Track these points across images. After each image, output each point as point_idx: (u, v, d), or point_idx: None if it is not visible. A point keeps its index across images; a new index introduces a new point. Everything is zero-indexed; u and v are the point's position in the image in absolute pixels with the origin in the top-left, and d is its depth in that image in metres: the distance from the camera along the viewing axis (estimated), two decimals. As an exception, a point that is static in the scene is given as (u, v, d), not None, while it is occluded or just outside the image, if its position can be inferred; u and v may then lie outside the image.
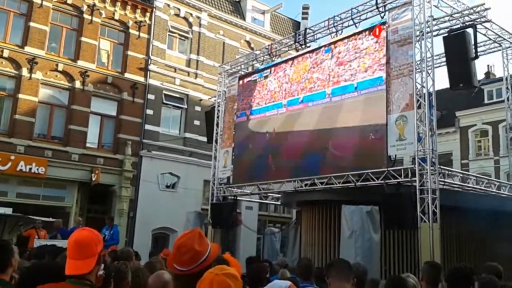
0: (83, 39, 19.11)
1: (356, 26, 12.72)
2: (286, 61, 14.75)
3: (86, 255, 2.61)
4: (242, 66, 16.94)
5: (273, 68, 15.06)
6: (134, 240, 18.31)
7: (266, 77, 15.22)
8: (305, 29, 14.59)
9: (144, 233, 18.78)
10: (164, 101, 20.97)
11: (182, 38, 22.26)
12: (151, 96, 20.45)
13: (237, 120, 16.03)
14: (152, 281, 3.19)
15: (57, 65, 18.43)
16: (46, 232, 11.91)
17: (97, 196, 19.18)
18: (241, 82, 16.26)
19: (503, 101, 13.80)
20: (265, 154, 14.52)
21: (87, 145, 18.70)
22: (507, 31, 12.35)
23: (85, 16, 19.20)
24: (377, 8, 11.81)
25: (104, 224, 12.86)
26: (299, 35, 14.48)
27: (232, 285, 1.88)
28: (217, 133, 16.73)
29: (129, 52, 20.20)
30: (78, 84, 18.71)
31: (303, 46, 14.37)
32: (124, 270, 3.53)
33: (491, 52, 13.06)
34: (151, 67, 20.59)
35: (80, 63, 18.91)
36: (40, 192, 17.81)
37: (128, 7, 20.27)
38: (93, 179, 18.17)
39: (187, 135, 21.29)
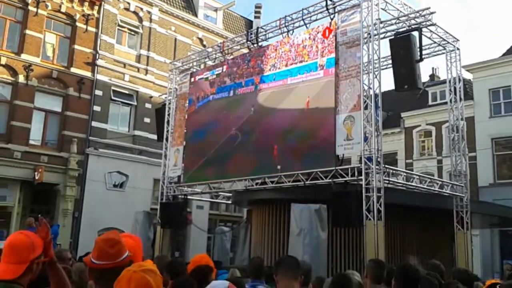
0: (27, 32, 18.33)
1: (306, 27, 12.87)
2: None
3: (18, 260, 2.47)
4: (194, 64, 16.76)
5: (224, 66, 15.01)
6: (80, 241, 17.75)
7: (218, 75, 15.13)
8: (257, 28, 14.61)
9: (90, 234, 18.13)
10: (113, 98, 20.44)
11: (132, 33, 21.78)
12: (98, 92, 19.88)
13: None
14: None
15: (-1, 58, 17.60)
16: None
17: (40, 196, 18.44)
18: (192, 79, 16.09)
19: (446, 103, 14.35)
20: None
21: (30, 142, 17.98)
22: (451, 35, 12.81)
23: (30, 8, 18.40)
24: (327, 9, 11.98)
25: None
26: (251, 34, 14.50)
27: (150, 280, 1.84)
28: (167, 131, 16.47)
29: (76, 46, 19.55)
30: (21, 79, 17.93)
31: (255, 45, 14.39)
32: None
33: (435, 55, 13.49)
34: (99, 62, 20.01)
35: (24, 56, 18.14)
36: (-20, 191, 16.96)
37: (76, 0, 19.60)
38: (36, 177, 17.45)
39: (137, 132, 20.86)
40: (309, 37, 12.42)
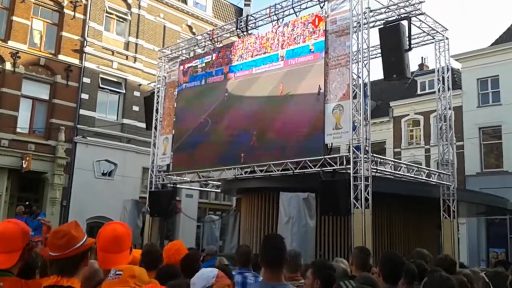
0: (14, 18, 18.05)
1: (296, 15, 12.83)
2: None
3: (10, 248, 2.50)
4: (183, 51, 16.64)
5: (214, 55, 14.94)
6: (68, 229, 17.66)
7: (207, 63, 15.07)
8: (247, 15, 14.55)
9: (79, 222, 18.15)
10: (101, 85, 20.25)
11: (120, 20, 21.54)
12: (86, 80, 19.68)
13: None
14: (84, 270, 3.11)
15: (-14, 45, 17.34)
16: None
17: (28, 184, 18.31)
18: (181, 67, 15.99)
19: (435, 92, 14.42)
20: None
21: (18, 130, 17.79)
22: (440, 24, 12.84)
23: (17, -6, 18.10)
24: (317, -2, 11.95)
25: (34, 213, 12.33)
26: (241, 21, 14.41)
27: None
28: (156, 120, 16.40)
29: (64, 33, 19.30)
30: (8, 66, 17.68)
31: (244, 33, 14.32)
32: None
33: (424, 45, 13.54)
34: (87, 49, 19.78)
35: (11, 43, 17.88)
36: (-33, 180, 16.79)
37: (63, -14, 19.32)
38: (24, 166, 17.30)
39: (125, 121, 20.73)
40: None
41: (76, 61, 19.47)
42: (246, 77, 13.64)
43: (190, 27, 23.70)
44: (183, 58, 16.39)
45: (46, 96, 18.90)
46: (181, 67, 15.99)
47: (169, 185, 15.69)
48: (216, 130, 14.14)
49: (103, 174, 19.77)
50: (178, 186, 16.31)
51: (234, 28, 14.63)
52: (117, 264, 2.50)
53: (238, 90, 13.89)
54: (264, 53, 13.18)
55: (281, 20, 13.23)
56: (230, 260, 6.89)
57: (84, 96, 19.56)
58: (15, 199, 17.88)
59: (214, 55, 14.94)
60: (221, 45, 15.42)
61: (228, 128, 13.85)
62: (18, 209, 12.91)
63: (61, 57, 19.12)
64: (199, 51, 16.44)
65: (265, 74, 13.07)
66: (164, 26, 22.67)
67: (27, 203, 13.67)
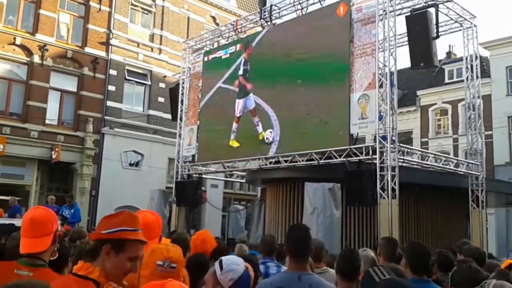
0: (41, 11, 18.36)
1: (321, 4, 12.71)
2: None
3: (42, 233, 2.57)
4: (207, 42, 16.69)
5: (238, 45, 14.91)
6: (97, 218, 18.04)
7: (231, 54, 15.06)
8: (271, 5, 14.48)
9: (107, 211, 18.09)
10: (127, 77, 20.50)
11: (145, 12, 21.70)
12: (113, 72, 19.95)
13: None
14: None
15: (14, 38, 17.69)
16: (2, 211, 11.55)
17: (57, 174, 18.76)
18: (206, 58, 16.04)
19: (463, 80, 14.14)
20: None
21: (47, 122, 18.17)
22: (468, 11, 12.55)
23: (44, -12, 18.42)
24: (342, -14, 11.78)
25: (64, 202, 12.62)
26: (265, 11, 14.35)
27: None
28: (181, 111, 16.53)
29: (90, 26, 19.57)
30: (36, 59, 18.04)
31: (268, 23, 14.26)
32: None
33: (452, 32, 13.26)
34: (113, 41, 20.03)
35: (39, 36, 18.21)
36: (-1, 170, 17.29)
37: (89, -21, 19.57)
38: (53, 156, 17.71)
39: (151, 112, 20.96)
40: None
41: (102, 54, 19.74)
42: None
43: (214, 18, 23.72)
44: (207, 49, 16.44)
45: (74, 88, 19.24)
46: (205, 58, 16.04)
47: (194, 175, 15.85)
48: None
49: (130, 165, 20.09)
50: (203, 176, 16.46)
51: (258, 18, 14.57)
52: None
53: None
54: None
55: (305, 9, 13.13)
56: (254, 249, 6.93)
57: (111, 88, 19.84)
58: (45, 189, 18.34)
59: (238, 45, 14.92)
60: (245, 35, 15.39)
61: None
62: (49, 199, 13.23)
63: (87, 49, 19.41)
64: (223, 42, 16.45)
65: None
66: (188, 18, 22.75)
67: (68, 195, 13.95)
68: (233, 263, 2.26)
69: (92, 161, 18.84)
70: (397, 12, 11.33)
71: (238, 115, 14.22)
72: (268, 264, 4.70)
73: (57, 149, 17.69)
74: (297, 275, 3.20)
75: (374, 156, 10.25)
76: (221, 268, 2.24)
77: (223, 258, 2.31)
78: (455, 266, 3.13)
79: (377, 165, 10.07)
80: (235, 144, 14.16)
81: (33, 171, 17.86)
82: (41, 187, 18.21)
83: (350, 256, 3.62)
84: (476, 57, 12.83)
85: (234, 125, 14.29)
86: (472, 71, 12.75)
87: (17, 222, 7.78)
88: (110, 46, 19.93)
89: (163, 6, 21.77)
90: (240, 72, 14.44)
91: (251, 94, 13.90)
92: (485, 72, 21.56)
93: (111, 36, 20.01)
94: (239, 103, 14.23)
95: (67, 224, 11.05)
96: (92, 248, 2.13)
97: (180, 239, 3.88)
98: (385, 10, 10.68)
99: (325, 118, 11.53)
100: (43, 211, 2.70)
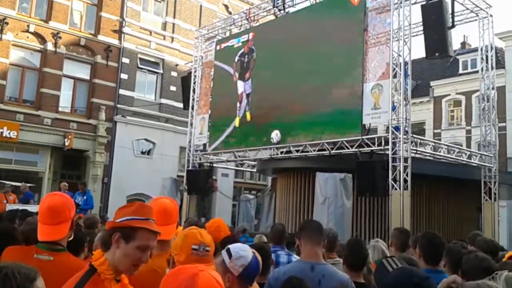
0: (55, -1, 18.42)
1: (335, -8, 12.59)
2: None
3: (60, 220, 2.59)
4: (220, 31, 16.64)
5: (250, 34, 14.85)
6: (109, 205, 18.23)
7: (244, 42, 15.01)
8: (284, -6, 14.36)
9: (119, 199, 18.59)
10: (139, 65, 20.53)
11: (158, 0, 21.66)
12: (125, 60, 19.99)
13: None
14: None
15: (28, 26, 17.76)
16: (15, 197, 11.69)
17: (70, 161, 18.93)
18: (218, 47, 16.01)
19: (477, 71, 13.96)
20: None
21: (60, 109, 18.29)
22: (484, 1, 12.36)
23: (57, -25, 18.42)
24: (356, -26, 11.65)
25: (77, 189, 12.73)
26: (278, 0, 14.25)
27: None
28: (193, 99, 16.55)
29: (103, 14, 19.58)
30: (50, 46, 18.12)
31: (281, 11, 14.16)
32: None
33: (467, 22, 13.05)
34: (126, 29, 20.04)
35: (52, 24, 18.26)
36: (12, 157, 17.45)
37: (101, -33, 19.53)
38: (66, 144, 17.86)
39: (163, 101, 21.00)
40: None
41: (115, 42, 19.77)
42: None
43: (226, 6, 23.61)
44: (220, 37, 16.39)
45: (86, 76, 19.32)
46: (218, 47, 16.00)
47: (205, 164, 15.91)
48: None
49: (142, 153, 20.20)
50: (214, 165, 16.51)
51: (271, 7, 14.49)
52: (165, 236, 2.53)
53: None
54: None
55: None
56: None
57: (124, 76, 19.90)
58: (58, 176, 18.53)
59: (250, 34, 14.86)
60: (257, 24, 15.31)
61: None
62: (62, 185, 13.36)
63: (100, 37, 19.45)
64: (235, 30, 16.38)
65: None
66: (201, 6, 22.67)
67: (81, 182, 14.11)
68: (241, 250, 2.32)
69: (105, 149, 18.96)
70: (413, 1, 11.21)
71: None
72: (278, 253, 4.72)
73: (70, 137, 17.84)
74: (310, 264, 3.21)
75: (387, 147, 10.20)
76: (230, 255, 2.28)
77: (230, 246, 2.35)
78: (463, 258, 3.12)
79: (389, 155, 10.02)
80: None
81: (46, 158, 18.05)
82: (54, 174, 18.39)
83: (357, 246, 3.62)
84: (492, 48, 12.67)
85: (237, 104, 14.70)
86: (487, 62, 12.59)
87: (30, 207, 7.86)
88: (122, 34, 19.94)
89: (175, -6, 21.70)
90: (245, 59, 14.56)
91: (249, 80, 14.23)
92: (499, 63, 21.26)
93: (124, 24, 20.01)
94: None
95: (80, 211, 11.15)
96: (105, 236, 2.14)
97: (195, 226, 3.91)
98: (400, -1, 10.56)
99: (337, 107, 11.47)
100: (61, 197, 2.72)
